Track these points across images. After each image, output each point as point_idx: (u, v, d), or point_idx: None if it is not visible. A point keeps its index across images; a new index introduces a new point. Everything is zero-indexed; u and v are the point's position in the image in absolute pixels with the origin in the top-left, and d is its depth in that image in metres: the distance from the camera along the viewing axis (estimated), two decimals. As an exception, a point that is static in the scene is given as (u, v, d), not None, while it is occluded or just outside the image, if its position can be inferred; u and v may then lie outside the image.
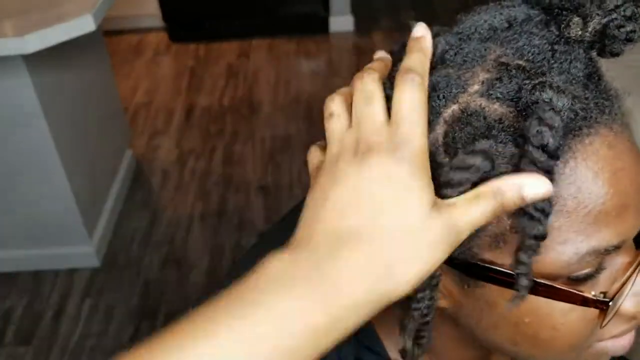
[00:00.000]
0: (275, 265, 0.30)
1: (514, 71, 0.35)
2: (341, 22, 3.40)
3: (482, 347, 0.44)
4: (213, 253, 2.06)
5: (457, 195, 0.33)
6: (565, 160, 0.33)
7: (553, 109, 0.32)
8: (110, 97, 2.29)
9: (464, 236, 0.32)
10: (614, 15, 0.34)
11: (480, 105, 0.34)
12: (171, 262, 2.04)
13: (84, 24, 1.53)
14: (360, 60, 3.11)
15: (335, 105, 0.36)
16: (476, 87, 0.35)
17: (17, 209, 1.88)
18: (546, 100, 0.32)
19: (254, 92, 2.93)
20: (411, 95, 0.33)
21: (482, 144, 0.33)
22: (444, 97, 0.35)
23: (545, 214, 0.32)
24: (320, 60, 3.20)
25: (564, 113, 0.32)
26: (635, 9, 0.34)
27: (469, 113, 0.34)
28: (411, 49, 0.35)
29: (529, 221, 0.33)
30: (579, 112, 0.34)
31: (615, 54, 0.35)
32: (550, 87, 0.32)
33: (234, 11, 3.34)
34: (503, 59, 0.35)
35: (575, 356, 0.39)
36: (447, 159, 0.35)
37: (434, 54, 0.36)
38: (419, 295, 0.37)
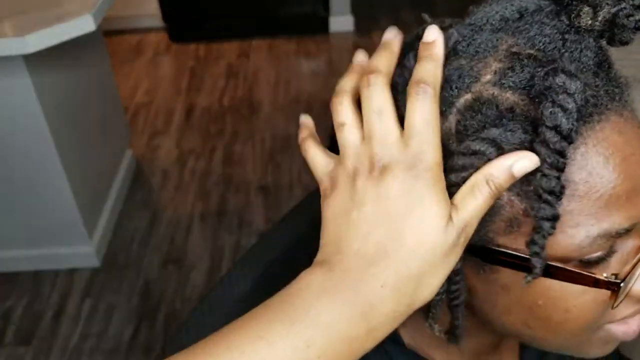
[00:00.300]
0: (314, 279, 0.34)
1: (525, 60, 0.35)
2: (341, 22, 3.40)
3: (494, 334, 0.45)
4: (213, 253, 2.06)
5: (462, 181, 0.34)
6: (576, 145, 0.34)
7: (567, 91, 0.33)
8: (110, 97, 2.29)
9: (472, 230, 0.34)
10: (623, 5, 0.34)
11: (493, 94, 0.35)
12: (171, 262, 2.04)
13: (84, 24, 1.53)
14: (360, 60, 3.11)
15: (345, 112, 0.36)
16: (489, 76, 0.36)
17: (17, 209, 1.88)
18: (560, 84, 0.33)
19: (254, 92, 2.93)
20: (423, 109, 0.34)
21: (491, 132, 0.34)
22: (457, 87, 0.36)
23: (557, 195, 0.33)
24: (320, 60, 3.20)
25: (578, 96, 0.33)
26: None
27: (481, 102, 0.35)
28: (422, 57, 0.36)
29: (541, 204, 0.34)
30: (589, 99, 0.34)
31: (625, 43, 0.36)
32: (563, 71, 0.33)
33: (234, 11, 3.34)
34: (515, 49, 0.36)
35: (586, 339, 0.40)
36: (458, 147, 0.36)
37: (446, 45, 0.37)
38: (452, 289, 0.39)
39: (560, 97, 0.33)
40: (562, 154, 0.33)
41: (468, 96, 0.36)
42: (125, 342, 1.79)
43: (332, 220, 0.35)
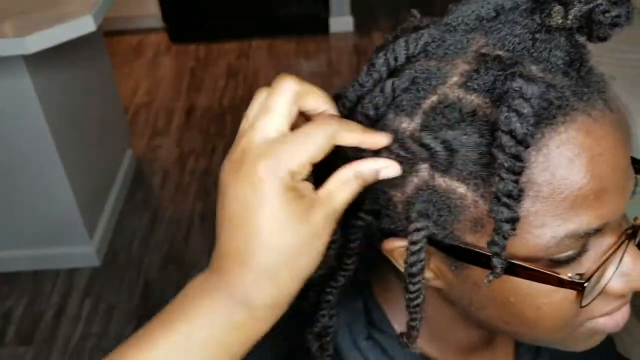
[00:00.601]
0: (196, 281, 0.37)
1: (490, 62, 0.35)
2: (341, 22, 3.40)
3: (483, 328, 0.46)
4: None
5: (408, 168, 0.37)
6: (538, 147, 0.34)
7: (522, 96, 0.33)
8: (110, 98, 2.30)
9: (340, 212, 0.37)
10: (599, 1, 0.34)
11: (458, 96, 0.35)
12: (171, 262, 2.05)
13: (85, 25, 1.54)
14: (360, 60, 3.12)
15: (250, 108, 0.38)
16: (455, 78, 0.36)
17: (17, 209, 1.89)
18: (516, 88, 0.33)
19: (254, 92, 2.91)
20: (318, 129, 0.35)
21: (447, 134, 0.35)
22: (423, 89, 0.36)
23: (515, 199, 0.33)
24: (320, 60, 3.20)
25: (535, 101, 0.33)
26: None
27: (446, 104, 0.35)
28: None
29: (500, 207, 0.34)
30: (553, 100, 0.34)
31: (603, 39, 0.35)
32: (521, 76, 0.33)
33: (234, 12, 3.34)
34: (484, 50, 0.36)
35: (566, 335, 0.40)
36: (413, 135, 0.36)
37: (416, 46, 0.38)
38: (408, 283, 0.39)
39: (516, 101, 0.33)
40: (518, 157, 0.33)
41: (434, 98, 0.36)
42: (126, 342, 1.79)
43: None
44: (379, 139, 0.36)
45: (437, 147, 0.35)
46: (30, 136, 1.73)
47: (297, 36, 3.38)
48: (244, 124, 0.37)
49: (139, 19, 3.50)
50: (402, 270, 0.39)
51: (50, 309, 1.90)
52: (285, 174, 0.34)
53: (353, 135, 0.36)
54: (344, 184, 0.36)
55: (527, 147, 0.33)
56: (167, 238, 2.14)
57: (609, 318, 0.40)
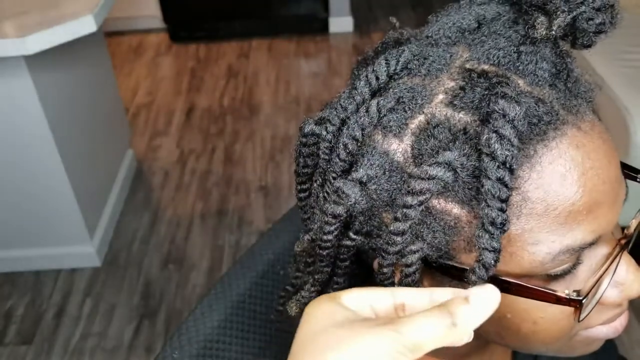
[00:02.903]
0: None
1: (476, 79, 0.34)
2: (341, 23, 3.41)
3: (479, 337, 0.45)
4: (213, 252, 2.07)
5: (418, 204, 0.33)
6: (531, 164, 0.33)
7: (505, 117, 0.31)
8: (111, 98, 2.30)
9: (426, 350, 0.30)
10: (583, 8, 0.33)
11: (446, 115, 0.34)
12: (172, 262, 2.05)
13: (85, 25, 1.54)
14: (360, 60, 3.12)
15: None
16: (441, 96, 0.35)
17: (18, 209, 1.89)
18: (498, 110, 0.32)
19: (254, 93, 2.94)
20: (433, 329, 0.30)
21: (446, 156, 0.33)
22: (410, 109, 0.35)
23: (498, 228, 0.32)
24: (320, 60, 3.21)
25: (519, 122, 0.32)
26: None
27: (434, 124, 0.35)
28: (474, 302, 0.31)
29: (484, 233, 0.33)
30: (543, 116, 0.34)
31: (587, 46, 0.35)
32: (504, 97, 0.32)
33: (234, 12, 3.35)
34: (468, 65, 0.35)
35: (563, 345, 0.40)
36: (415, 170, 0.35)
37: (397, 63, 0.37)
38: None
39: (499, 123, 0.31)
40: (502, 182, 0.32)
41: (421, 117, 0.35)
42: (126, 341, 1.79)
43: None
44: (493, 296, 0.31)
45: (445, 175, 0.33)
46: (31, 136, 1.74)
47: (297, 36, 3.38)
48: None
49: (139, 20, 3.51)
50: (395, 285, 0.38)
51: (50, 309, 1.90)
52: None
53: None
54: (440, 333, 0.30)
55: (511, 171, 0.32)
56: (168, 238, 2.14)
57: (607, 325, 0.40)
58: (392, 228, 0.35)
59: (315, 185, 0.41)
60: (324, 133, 0.38)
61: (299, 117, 2.73)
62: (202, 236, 2.14)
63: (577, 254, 0.35)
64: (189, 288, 1.95)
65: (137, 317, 1.87)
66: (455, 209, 0.35)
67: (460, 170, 0.33)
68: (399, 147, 0.36)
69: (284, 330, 0.65)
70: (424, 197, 0.34)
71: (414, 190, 0.34)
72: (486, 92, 0.33)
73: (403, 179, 0.35)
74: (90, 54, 2.09)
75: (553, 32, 0.34)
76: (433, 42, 0.37)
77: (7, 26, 1.54)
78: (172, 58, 3.29)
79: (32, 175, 1.82)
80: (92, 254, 2.01)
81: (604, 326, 0.40)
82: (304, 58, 3.22)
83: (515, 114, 0.32)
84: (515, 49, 0.35)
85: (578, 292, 0.36)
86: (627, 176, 0.39)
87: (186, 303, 1.90)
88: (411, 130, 0.35)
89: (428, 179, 0.33)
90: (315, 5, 3.35)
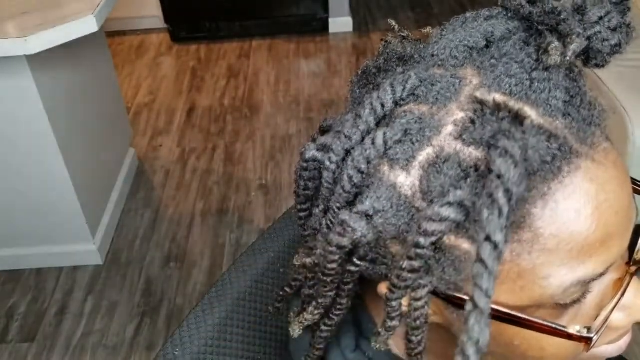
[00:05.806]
0: None
1: (487, 112, 0.33)
2: (340, 23, 3.42)
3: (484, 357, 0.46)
4: (214, 251, 2.08)
5: (429, 245, 0.33)
6: (545, 201, 0.32)
7: (512, 160, 0.29)
8: (112, 97, 2.31)
9: None
10: (598, 29, 0.32)
11: (455, 149, 0.33)
12: (173, 260, 2.06)
13: (87, 25, 1.55)
14: (359, 60, 3.13)
15: None
16: (450, 128, 0.34)
17: (20, 208, 1.90)
18: (497, 172, 0.29)
19: (254, 92, 2.95)
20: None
21: (457, 195, 0.32)
22: (417, 140, 0.34)
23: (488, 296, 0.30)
24: (319, 60, 3.22)
25: (525, 164, 0.30)
26: (620, 18, 0.32)
27: (443, 159, 0.33)
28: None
29: (476, 290, 0.30)
30: (557, 154, 0.32)
31: (600, 66, 0.33)
32: (509, 137, 0.30)
33: (234, 12, 3.36)
34: (478, 94, 0.34)
35: None
36: (425, 205, 0.34)
37: (404, 89, 0.35)
38: (411, 335, 0.38)
39: (504, 167, 0.29)
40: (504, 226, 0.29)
41: (429, 150, 0.34)
42: (128, 339, 1.81)
43: None
44: None
45: (457, 216, 0.32)
46: (33, 136, 1.75)
47: (297, 36, 3.39)
48: None
49: (140, 20, 3.52)
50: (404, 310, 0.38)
51: (53, 306, 1.92)
52: None
53: None
54: None
55: (506, 226, 0.29)
56: (169, 236, 2.16)
57: (612, 345, 0.39)
58: (404, 266, 0.34)
59: (317, 210, 0.40)
60: (327, 163, 0.37)
61: (299, 117, 2.74)
62: (203, 234, 2.15)
63: (588, 285, 0.35)
64: (190, 286, 1.96)
65: (138, 314, 1.88)
66: (466, 244, 0.34)
67: (472, 210, 0.32)
68: (406, 181, 0.34)
69: (284, 328, 0.66)
70: (436, 237, 0.32)
71: (426, 232, 0.32)
72: (495, 131, 0.31)
73: (411, 214, 0.34)
74: (91, 54, 2.10)
75: (568, 59, 0.32)
76: (440, 62, 0.36)
77: (9, 26, 1.55)
78: (173, 58, 3.31)
79: (34, 174, 1.83)
80: (94, 252, 2.02)
81: (608, 345, 0.39)
82: (304, 58, 3.23)
83: (510, 177, 0.29)
84: (527, 76, 0.33)
85: (589, 328, 0.35)
86: (636, 191, 0.38)
87: (187, 301, 1.91)
88: (419, 163, 0.34)
89: (440, 220, 0.32)
90: (315, 5, 3.36)
